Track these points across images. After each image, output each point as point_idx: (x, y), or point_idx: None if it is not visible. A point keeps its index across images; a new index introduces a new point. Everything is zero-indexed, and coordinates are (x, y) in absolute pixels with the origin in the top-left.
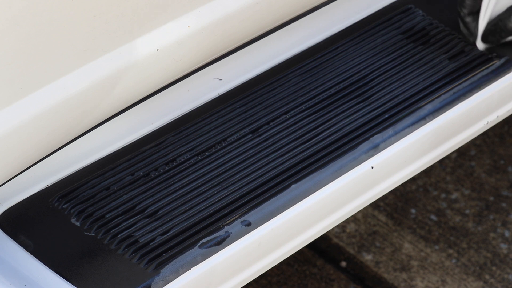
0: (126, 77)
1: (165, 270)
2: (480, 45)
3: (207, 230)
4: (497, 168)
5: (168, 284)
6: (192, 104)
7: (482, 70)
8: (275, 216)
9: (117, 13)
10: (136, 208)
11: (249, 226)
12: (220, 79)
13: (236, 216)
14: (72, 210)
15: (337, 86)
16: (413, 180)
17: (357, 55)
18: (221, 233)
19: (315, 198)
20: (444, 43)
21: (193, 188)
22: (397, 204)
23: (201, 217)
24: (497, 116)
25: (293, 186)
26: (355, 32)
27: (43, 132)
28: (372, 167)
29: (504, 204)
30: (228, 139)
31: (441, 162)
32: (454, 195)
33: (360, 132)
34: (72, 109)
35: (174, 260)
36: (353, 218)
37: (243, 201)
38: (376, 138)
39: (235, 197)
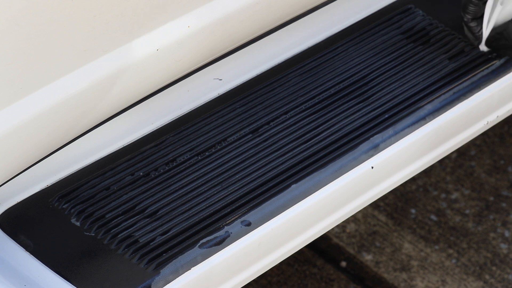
0: (126, 77)
1: (165, 270)
2: (483, 48)
3: (207, 230)
4: (497, 168)
5: (168, 284)
6: (192, 104)
7: (482, 70)
8: (275, 216)
9: (117, 13)
10: (136, 208)
11: (249, 226)
12: (220, 79)
13: (236, 216)
14: (72, 210)
15: (337, 86)
16: (413, 180)
17: (357, 55)
18: (221, 233)
19: (315, 198)
20: (444, 43)
21: (193, 188)
22: (397, 204)
23: (201, 217)
24: (497, 116)
25: (293, 186)
26: (355, 32)
27: (43, 132)
28: (372, 167)
29: (504, 204)
30: (228, 139)
31: (441, 162)
32: (454, 195)
33: (360, 132)
34: (72, 109)
35: (174, 260)
36: (353, 218)
37: (243, 201)
38: (376, 138)
39: (235, 197)
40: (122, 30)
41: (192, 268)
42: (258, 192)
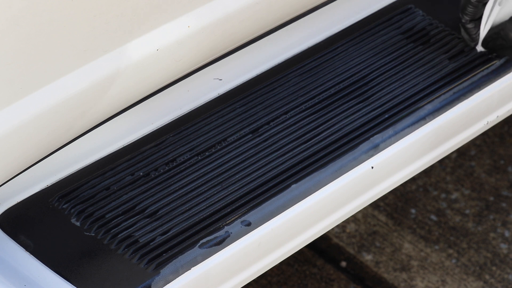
0: (126, 77)
1: (165, 270)
2: (480, 49)
3: (207, 230)
4: (497, 168)
5: (168, 284)
6: (192, 104)
7: (482, 70)
8: (275, 216)
9: (117, 13)
10: (136, 208)
11: (249, 226)
12: (220, 79)
13: (236, 216)
14: (72, 210)
15: (337, 86)
16: (413, 180)
17: (357, 55)
18: (221, 233)
19: (315, 198)
20: (444, 43)
21: (193, 188)
22: (397, 204)
23: (201, 217)
24: (497, 116)
25: (293, 186)
26: (355, 32)
27: (43, 132)
28: (372, 167)
29: (504, 204)
30: (228, 139)
31: (441, 162)
32: (454, 195)
33: (360, 132)
34: (72, 109)
35: (174, 260)
36: (353, 218)
37: (243, 201)
38: (376, 138)
39: (235, 197)
40: (122, 30)
41: (192, 268)
42: (258, 192)
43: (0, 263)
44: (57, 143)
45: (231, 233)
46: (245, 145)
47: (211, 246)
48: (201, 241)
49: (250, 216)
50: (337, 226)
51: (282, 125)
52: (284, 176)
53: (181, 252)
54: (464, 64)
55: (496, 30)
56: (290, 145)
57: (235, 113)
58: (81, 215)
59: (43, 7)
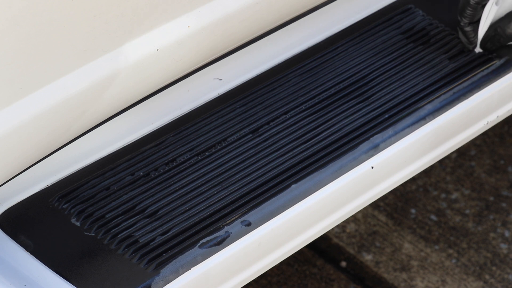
0: (126, 77)
1: (165, 270)
2: (478, 50)
3: (207, 230)
4: (497, 168)
5: (168, 284)
6: (192, 104)
7: (482, 70)
8: (275, 216)
9: (117, 13)
10: (136, 208)
11: (249, 226)
12: (220, 79)
13: (236, 216)
14: (72, 210)
15: (337, 86)
16: (413, 180)
17: (357, 55)
18: (221, 233)
19: (315, 198)
20: (444, 43)
21: (193, 188)
22: (397, 204)
23: (201, 217)
24: (497, 116)
25: (293, 186)
26: (355, 32)
27: (43, 132)
28: (372, 167)
29: (504, 204)
30: (228, 139)
31: (441, 162)
32: (454, 195)
33: (360, 132)
34: (72, 109)
35: (174, 260)
36: (353, 218)
37: (243, 201)
38: (376, 138)
39: (235, 197)
40: (122, 30)
41: (192, 268)
42: (258, 192)
43: (0, 263)
44: (57, 143)
45: (231, 233)
46: (245, 145)
47: (211, 246)
48: (201, 241)
49: (250, 216)
50: (337, 226)
51: (282, 125)
52: (284, 176)
53: (181, 252)
54: (464, 64)
55: (493, 29)
56: (290, 145)
57: (235, 113)
58: (81, 215)
59: (43, 7)
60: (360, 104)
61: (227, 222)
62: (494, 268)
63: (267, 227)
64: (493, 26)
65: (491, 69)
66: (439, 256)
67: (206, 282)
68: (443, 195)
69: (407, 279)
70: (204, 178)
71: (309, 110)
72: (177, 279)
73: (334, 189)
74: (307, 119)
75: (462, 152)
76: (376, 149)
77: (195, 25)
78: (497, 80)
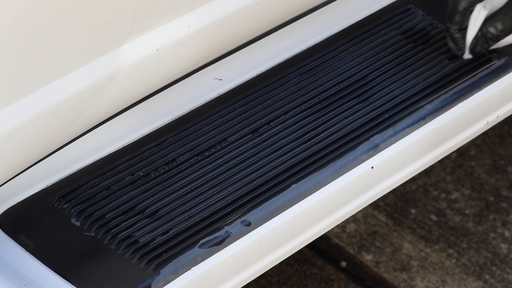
0: (126, 77)
1: (165, 270)
2: (467, 56)
3: (207, 230)
4: (497, 168)
5: (168, 284)
6: (192, 104)
7: (482, 70)
8: (275, 216)
9: (117, 13)
10: (136, 208)
11: (249, 226)
12: (220, 79)
13: (236, 216)
14: (72, 210)
15: (337, 86)
16: (413, 180)
17: (357, 55)
18: (221, 233)
19: (315, 198)
20: (444, 43)
21: (193, 188)
22: (397, 204)
23: (201, 217)
24: (497, 116)
25: (293, 186)
26: (355, 32)
27: (43, 132)
28: (372, 167)
29: (504, 204)
30: (228, 139)
31: (441, 162)
32: (454, 195)
33: (360, 132)
34: (72, 109)
35: (174, 260)
36: (353, 218)
37: (243, 201)
38: (376, 138)
39: (235, 197)
40: (122, 30)
41: (192, 268)
42: (258, 192)
43: (0, 263)
44: (57, 143)
45: (231, 233)
46: (245, 145)
47: (211, 246)
48: (201, 241)
49: (250, 216)
50: (337, 226)
51: (282, 125)
52: (284, 176)
53: (181, 252)
54: (464, 64)
55: (481, 32)
56: (290, 145)
57: (235, 113)
58: (81, 215)
59: (43, 7)
60: (360, 104)
61: (227, 222)
62: (494, 268)
63: (267, 227)
64: (480, 30)
65: (491, 69)
66: (439, 256)
67: (206, 282)
68: (443, 195)
69: (407, 279)
70: (204, 178)
71: (309, 110)
72: (177, 279)
73: (334, 189)
74: (307, 119)
75: (462, 152)
76: (376, 149)
77: (195, 25)
78: (497, 80)
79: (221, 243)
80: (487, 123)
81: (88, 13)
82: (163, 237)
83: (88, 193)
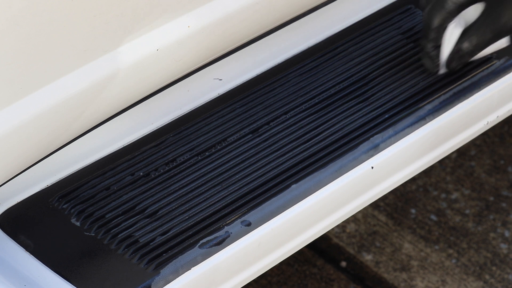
0: (126, 77)
1: (165, 270)
2: (443, 71)
3: (207, 230)
4: (497, 168)
5: (168, 284)
6: (192, 104)
7: (482, 70)
8: (275, 216)
9: (117, 13)
10: (136, 208)
11: (249, 226)
12: (220, 79)
13: (236, 216)
14: (72, 210)
15: (337, 86)
16: (413, 180)
17: (357, 55)
18: (221, 233)
19: (315, 198)
20: None
21: (193, 188)
22: (397, 204)
23: (201, 217)
24: (497, 116)
25: (293, 186)
26: (355, 32)
27: (43, 132)
28: (372, 167)
29: (504, 204)
30: (228, 139)
31: (441, 162)
32: (454, 195)
33: (360, 132)
34: (72, 109)
35: (174, 260)
36: (353, 218)
37: (243, 201)
38: (376, 138)
39: (235, 197)
40: (122, 30)
41: (192, 268)
42: (258, 192)
43: (0, 263)
44: (57, 143)
45: (231, 233)
46: (245, 145)
47: (211, 246)
48: (201, 241)
49: (250, 216)
50: (337, 226)
51: (282, 125)
52: (284, 176)
53: (181, 252)
54: (464, 64)
55: (455, 48)
56: (290, 145)
57: (235, 113)
58: (81, 215)
59: (43, 7)
60: (360, 104)
61: (227, 222)
62: (494, 268)
63: (267, 227)
64: (456, 45)
65: (491, 69)
66: (439, 256)
67: (206, 282)
68: (443, 195)
69: (407, 279)
70: (204, 178)
71: (309, 110)
72: (177, 279)
73: (334, 189)
74: (307, 119)
75: (462, 152)
76: (376, 149)
77: (195, 25)
78: (497, 80)
79: (221, 243)
80: (487, 123)
81: (88, 13)
82: (163, 237)
83: (88, 193)
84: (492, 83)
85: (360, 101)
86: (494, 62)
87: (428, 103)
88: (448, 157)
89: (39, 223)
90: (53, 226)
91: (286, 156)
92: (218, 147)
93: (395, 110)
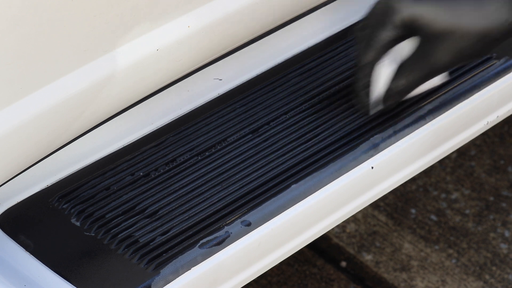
0: (127, 77)
1: (165, 270)
2: (373, 112)
3: (207, 230)
4: (497, 168)
5: (168, 284)
6: (192, 104)
7: (482, 70)
8: (275, 216)
9: (117, 13)
10: (136, 208)
11: (249, 226)
12: (220, 79)
13: (236, 216)
14: (72, 210)
15: (337, 86)
16: (413, 180)
17: None
18: (221, 233)
19: (315, 198)
20: None
21: (193, 188)
22: (397, 204)
23: (201, 217)
24: (497, 116)
25: (293, 186)
26: None
27: (43, 132)
28: (372, 167)
29: (504, 204)
30: (228, 139)
31: (441, 162)
32: (454, 195)
33: (360, 132)
34: (72, 109)
35: (174, 260)
36: (353, 218)
37: (243, 201)
38: (376, 138)
39: (235, 197)
40: (122, 30)
41: (192, 268)
42: (258, 192)
43: (0, 263)
44: (57, 143)
45: (231, 233)
46: (245, 145)
47: (211, 246)
48: (201, 241)
49: (250, 216)
50: (337, 226)
51: (282, 125)
52: (284, 176)
53: (181, 252)
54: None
55: (390, 85)
56: (290, 145)
57: (235, 113)
58: (81, 215)
59: (43, 7)
60: None
61: (227, 222)
62: (494, 268)
63: (267, 227)
64: (390, 83)
65: (491, 69)
66: (439, 256)
67: (206, 282)
68: (443, 195)
69: (407, 279)
70: (204, 178)
71: (309, 110)
72: (177, 279)
73: (334, 189)
74: (307, 119)
75: (462, 152)
76: (376, 149)
77: (195, 25)
78: (497, 80)
79: (221, 243)
80: (487, 123)
81: (88, 13)
82: (163, 237)
83: (88, 193)
84: (492, 83)
85: None
86: (494, 62)
87: (428, 103)
88: (448, 157)
89: (39, 223)
90: (53, 226)
91: (286, 156)
92: (218, 147)
93: (395, 111)
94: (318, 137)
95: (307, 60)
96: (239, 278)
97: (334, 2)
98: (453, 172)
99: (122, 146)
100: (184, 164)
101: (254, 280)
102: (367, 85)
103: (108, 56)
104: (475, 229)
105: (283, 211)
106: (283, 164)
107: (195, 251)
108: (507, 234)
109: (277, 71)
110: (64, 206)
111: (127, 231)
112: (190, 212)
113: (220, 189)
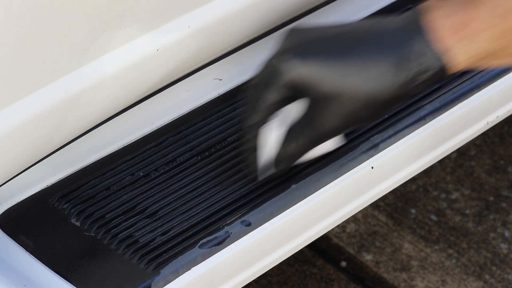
0: (127, 77)
1: (165, 270)
2: (262, 178)
3: (207, 230)
4: (497, 168)
5: (168, 284)
6: (192, 104)
7: (482, 70)
8: (275, 216)
9: (117, 13)
10: (136, 208)
11: (249, 226)
12: (220, 79)
13: (236, 216)
14: (72, 210)
15: None
16: (413, 180)
17: None
18: (221, 233)
19: (315, 198)
20: None
21: (193, 188)
22: (397, 204)
23: (201, 217)
24: (497, 116)
25: (293, 186)
26: None
27: (43, 132)
28: (372, 167)
29: (504, 204)
30: (228, 139)
31: (441, 162)
32: (454, 195)
33: (360, 132)
34: (72, 109)
35: (174, 260)
36: (353, 218)
37: (243, 201)
38: (376, 138)
39: (235, 197)
40: (122, 30)
41: (192, 268)
42: (258, 192)
43: (0, 263)
44: (57, 143)
45: (231, 233)
46: None
47: (211, 246)
48: (201, 241)
49: (250, 216)
50: (337, 226)
51: None
52: (285, 176)
53: (181, 252)
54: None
55: (280, 150)
56: None
57: (235, 113)
58: (81, 215)
59: (43, 7)
60: None
61: (227, 222)
62: (494, 268)
63: (267, 227)
64: (281, 146)
65: (491, 69)
66: (439, 256)
67: (206, 282)
68: (443, 195)
69: (407, 279)
70: (204, 178)
71: None
72: (177, 279)
73: (334, 189)
74: None
75: (462, 152)
76: (376, 149)
77: (195, 25)
78: (497, 80)
79: (221, 243)
80: (487, 123)
81: (88, 13)
82: (163, 237)
83: (88, 193)
84: (492, 83)
85: None
86: None
87: (428, 103)
88: (448, 157)
89: (39, 223)
90: (53, 226)
91: None
92: (218, 147)
93: (395, 110)
94: None
95: None
96: (239, 278)
97: (334, 2)
98: (453, 172)
99: (122, 146)
100: (184, 164)
101: (254, 280)
102: (254, 149)
103: (108, 56)
104: (475, 229)
105: (283, 211)
106: None
107: (195, 251)
108: (507, 234)
109: None
110: (64, 206)
111: (127, 231)
112: (190, 212)
113: (220, 189)
